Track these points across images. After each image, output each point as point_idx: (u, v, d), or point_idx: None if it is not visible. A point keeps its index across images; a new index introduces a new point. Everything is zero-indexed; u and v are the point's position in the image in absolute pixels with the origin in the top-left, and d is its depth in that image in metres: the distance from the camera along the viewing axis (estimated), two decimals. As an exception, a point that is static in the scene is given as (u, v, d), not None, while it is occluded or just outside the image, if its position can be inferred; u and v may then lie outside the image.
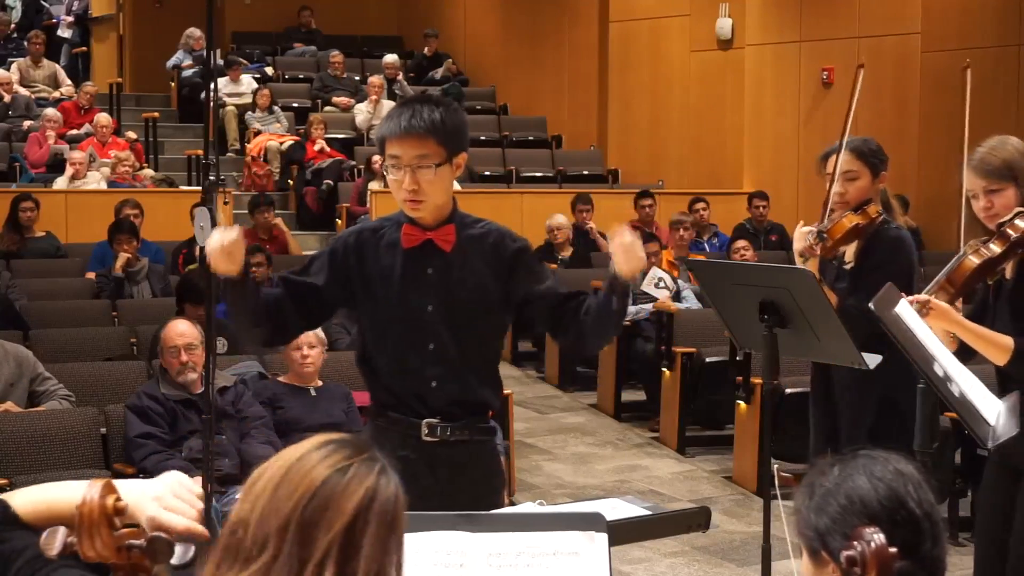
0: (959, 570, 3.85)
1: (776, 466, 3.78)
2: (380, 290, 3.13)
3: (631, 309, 8.45)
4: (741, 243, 9.19)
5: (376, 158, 11.91)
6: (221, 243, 2.92)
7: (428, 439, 3.10)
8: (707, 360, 7.68)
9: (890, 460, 1.76)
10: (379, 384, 3.18)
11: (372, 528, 1.59)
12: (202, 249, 4.54)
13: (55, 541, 1.59)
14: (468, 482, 3.13)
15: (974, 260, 3.55)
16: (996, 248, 3.52)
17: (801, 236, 4.05)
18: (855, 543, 1.62)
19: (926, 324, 3.41)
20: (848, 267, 4.12)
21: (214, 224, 4.42)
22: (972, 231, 3.65)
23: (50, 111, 12.02)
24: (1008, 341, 3.48)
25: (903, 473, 1.74)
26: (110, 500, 1.61)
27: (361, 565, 1.57)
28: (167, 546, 1.61)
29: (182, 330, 5.38)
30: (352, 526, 1.57)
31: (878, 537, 1.61)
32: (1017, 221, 3.46)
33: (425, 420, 3.10)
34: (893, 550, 1.60)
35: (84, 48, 15.60)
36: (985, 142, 3.57)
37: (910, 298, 3.50)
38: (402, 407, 3.13)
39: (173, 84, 14.60)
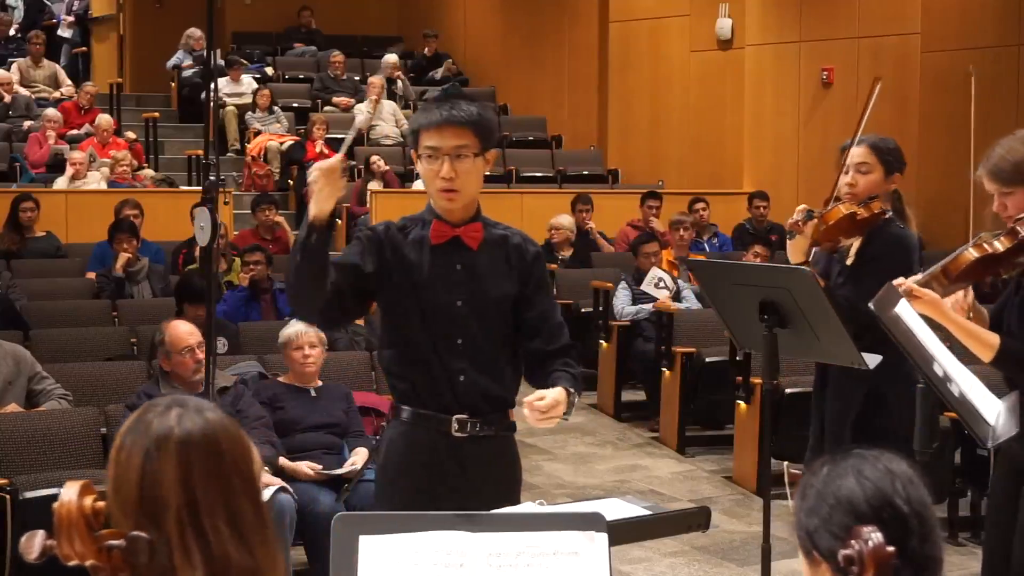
0: (959, 570, 3.85)
1: (786, 464, 3.78)
2: (407, 285, 3.15)
3: (631, 309, 8.48)
4: (758, 248, 8.90)
5: (375, 158, 11.94)
6: (328, 165, 2.96)
7: (458, 434, 3.12)
8: (707, 360, 7.67)
9: (881, 459, 1.75)
10: (405, 381, 3.19)
11: (199, 476, 1.64)
12: (202, 249, 4.57)
13: (34, 545, 1.59)
14: (494, 479, 3.17)
15: (973, 253, 3.53)
16: (1000, 245, 3.51)
17: (795, 213, 4.07)
18: (853, 542, 1.62)
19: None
20: (850, 262, 4.12)
21: (214, 224, 4.42)
22: (981, 225, 3.65)
23: (50, 111, 12.02)
24: (995, 339, 3.47)
25: (893, 471, 1.74)
26: (88, 501, 1.61)
27: (207, 517, 1.63)
28: (147, 545, 1.61)
29: (190, 329, 5.38)
30: (185, 490, 1.63)
31: (876, 536, 1.60)
32: None
33: (455, 416, 3.12)
34: (891, 549, 1.60)
35: (84, 48, 15.60)
36: (1003, 141, 3.53)
37: (895, 281, 3.51)
38: (430, 403, 3.14)
39: (173, 84, 14.60)
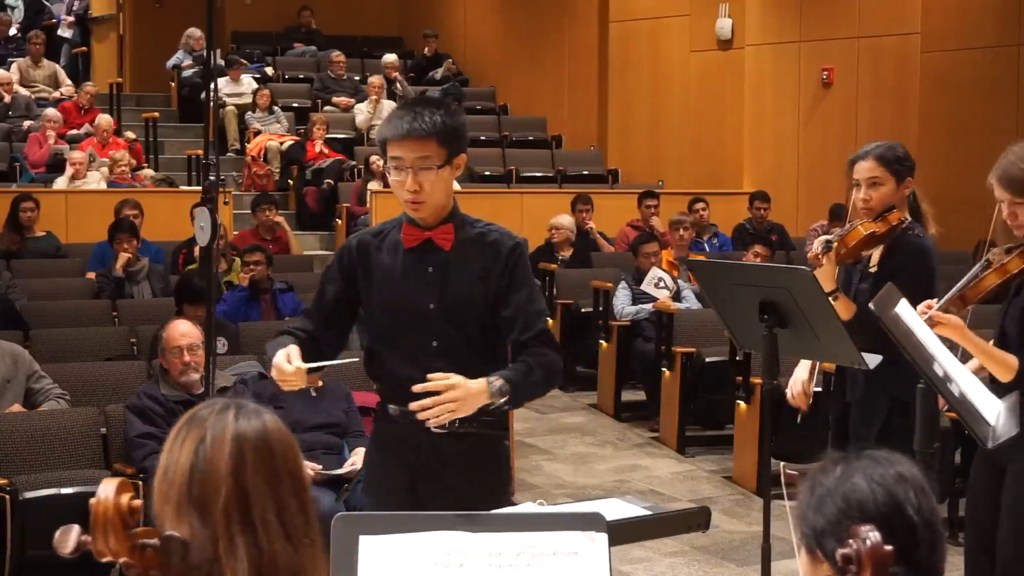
0: (959, 570, 3.84)
1: (782, 464, 3.78)
2: (383, 289, 3.18)
3: (631, 309, 8.47)
4: (758, 248, 8.94)
5: (375, 158, 11.93)
6: (283, 372, 3.00)
7: (437, 431, 3.10)
8: (707, 360, 7.68)
9: (893, 463, 1.74)
10: (386, 381, 3.22)
11: (251, 470, 1.68)
12: (202, 249, 4.57)
13: (69, 540, 1.60)
14: (478, 479, 3.16)
15: (993, 279, 3.55)
16: (1014, 267, 3.53)
17: (816, 246, 4.10)
18: (851, 540, 1.61)
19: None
20: (872, 270, 4.13)
21: (214, 224, 4.41)
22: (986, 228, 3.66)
23: (50, 111, 12.02)
24: (1013, 361, 3.48)
25: (904, 477, 1.72)
26: (125, 499, 1.62)
27: (256, 510, 1.66)
28: (181, 545, 1.62)
29: (184, 330, 5.38)
30: (235, 482, 1.66)
31: (874, 535, 1.60)
32: None
33: None
34: (888, 548, 1.59)
35: (84, 48, 15.60)
36: (1014, 148, 3.51)
37: (921, 306, 3.51)
38: (411, 401, 3.13)
39: (173, 84, 14.60)
